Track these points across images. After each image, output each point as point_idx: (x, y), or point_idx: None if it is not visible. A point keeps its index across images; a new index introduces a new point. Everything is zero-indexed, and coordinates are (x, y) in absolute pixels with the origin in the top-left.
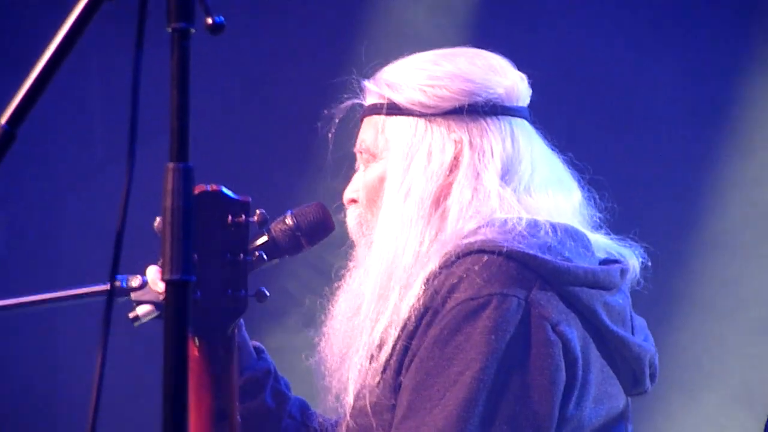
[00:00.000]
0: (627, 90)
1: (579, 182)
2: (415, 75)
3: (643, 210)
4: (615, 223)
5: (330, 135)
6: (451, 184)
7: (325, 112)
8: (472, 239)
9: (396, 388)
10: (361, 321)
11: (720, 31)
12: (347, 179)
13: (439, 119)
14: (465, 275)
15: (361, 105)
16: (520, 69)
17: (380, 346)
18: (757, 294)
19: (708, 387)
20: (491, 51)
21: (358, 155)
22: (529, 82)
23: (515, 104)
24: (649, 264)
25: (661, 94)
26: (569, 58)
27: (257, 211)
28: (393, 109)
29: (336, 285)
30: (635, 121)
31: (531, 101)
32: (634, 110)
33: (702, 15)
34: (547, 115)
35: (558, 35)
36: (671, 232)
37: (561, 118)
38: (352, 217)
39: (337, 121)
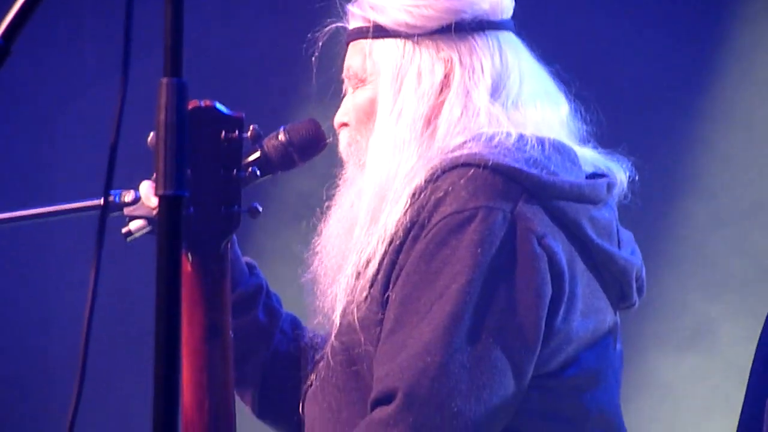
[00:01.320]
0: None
1: (566, 94)
2: None
3: (631, 124)
4: (603, 137)
5: (313, 59)
6: (442, 104)
7: (309, 36)
8: (457, 153)
9: (384, 302)
10: (353, 243)
11: None
12: (333, 103)
13: (426, 39)
14: (450, 189)
15: (344, 28)
16: None
17: (368, 262)
18: (747, 205)
19: (696, 298)
20: None
21: (346, 80)
22: None
23: (501, 17)
24: (637, 178)
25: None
26: None
27: (251, 127)
28: (379, 32)
29: (326, 204)
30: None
31: (515, 13)
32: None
33: None
34: (533, 28)
35: None
36: (659, 145)
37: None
38: (343, 139)
39: (320, 44)
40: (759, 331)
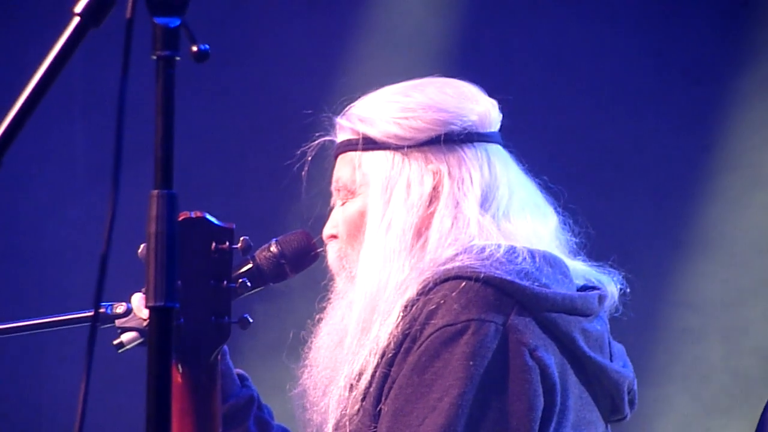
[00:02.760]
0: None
1: (554, 207)
2: (387, 108)
3: (621, 236)
4: (592, 249)
5: (303, 173)
6: (432, 215)
7: (297, 152)
8: (449, 266)
9: (376, 416)
10: (344, 355)
11: (704, 33)
12: (323, 216)
13: (415, 151)
14: (443, 301)
15: (332, 142)
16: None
17: (360, 375)
18: (735, 318)
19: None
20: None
21: (335, 192)
22: (499, 108)
23: (489, 130)
24: (628, 290)
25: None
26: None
27: (241, 239)
28: (368, 144)
29: (317, 317)
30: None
31: (504, 125)
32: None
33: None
34: (520, 140)
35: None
36: (650, 257)
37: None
38: (332, 251)
39: (309, 159)
40: None
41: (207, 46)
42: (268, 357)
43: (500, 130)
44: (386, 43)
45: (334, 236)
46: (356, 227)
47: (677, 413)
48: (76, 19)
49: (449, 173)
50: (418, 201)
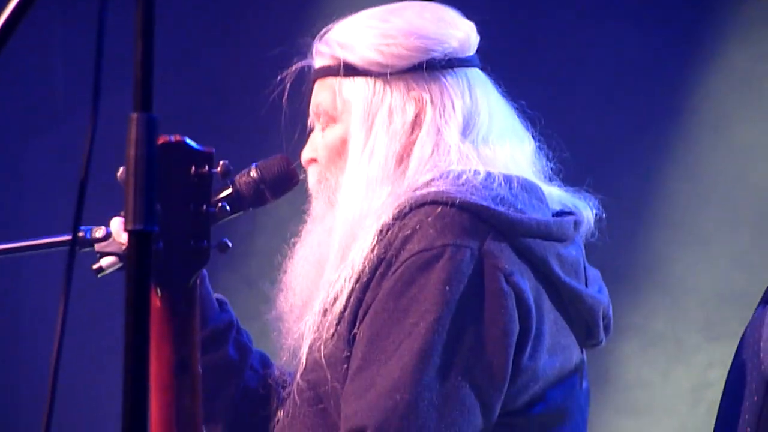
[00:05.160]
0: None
1: (531, 132)
2: (367, 34)
3: (596, 161)
4: (568, 174)
5: (284, 99)
6: (413, 142)
7: (277, 78)
8: (425, 191)
9: (350, 340)
10: (322, 281)
11: None
12: (302, 142)
13: (397, 78)
14: (418, 226)
15: (310, 67)
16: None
17: (335, 299)
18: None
19: (663, 336)
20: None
21: (314, 117)
22: (477, 30)
23: (468, 54)
24: (603, 215)
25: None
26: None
27: (221, 163)
28: (349, 71)
29: (293, 240)
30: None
31: (481, 48)
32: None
33: None
34: (499, 64)
35: None
36: (624, 182)
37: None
38: (312, 175)
39: (288, 84)
40: (732, 350)
41: None
42: (246, 283)
43: (478, 52)
44: None
45: (314, 160)
46: (337, 153)
47: (653, 332)
48: None
49: (431, 101)
50: (400, 129)
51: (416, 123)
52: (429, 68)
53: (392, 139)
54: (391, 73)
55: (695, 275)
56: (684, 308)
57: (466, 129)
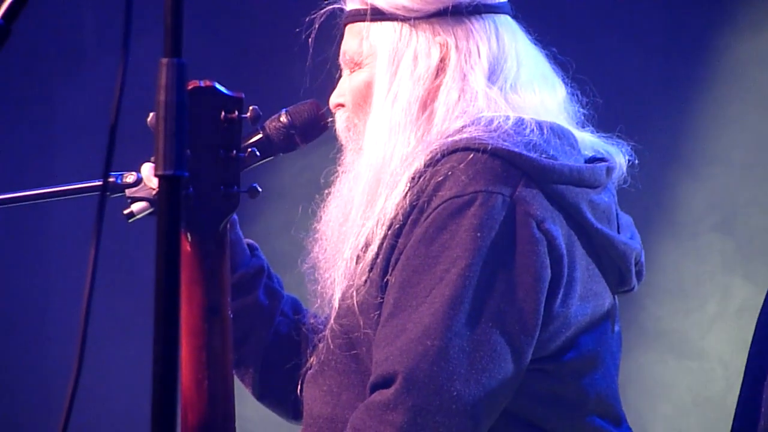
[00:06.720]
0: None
1: (562, 78)
2: None
3: (629, 106)
4: (600, 120)
5: (310, 40)
6: (438, 87)
7: (306, 20)
8: (457, 137)
9: (383, 286)
10: (349, 226)
11: None
12: (328, 83)
13: (423, 23)
14: (450, 173)
15: (341, 10)
16: None
17: (366, 246)
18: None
19: (696, 277)
20: None
21: (342, 62)
22: None
23: (498, 1)
24: (636, 162)
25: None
26: None
27: (250, 108)
28: (376, 15)
29: (326, 191)
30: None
31: None
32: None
33: None
34: (530, 12)
35: None
36: (658, 129)
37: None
38: (340, 121)
39: (317, 26)
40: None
41: None
42: (280, 227)
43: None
44: None
45: (341, 105)
46: (363, 98)
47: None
48: None
49: (456, 46)
50: (424, 73)
51: (441, 68)
52: (455, 13)
53: (416, 83)
54: (417, 18)
55: (724, 232)
56: (715, 249)
57: (492, 75)
